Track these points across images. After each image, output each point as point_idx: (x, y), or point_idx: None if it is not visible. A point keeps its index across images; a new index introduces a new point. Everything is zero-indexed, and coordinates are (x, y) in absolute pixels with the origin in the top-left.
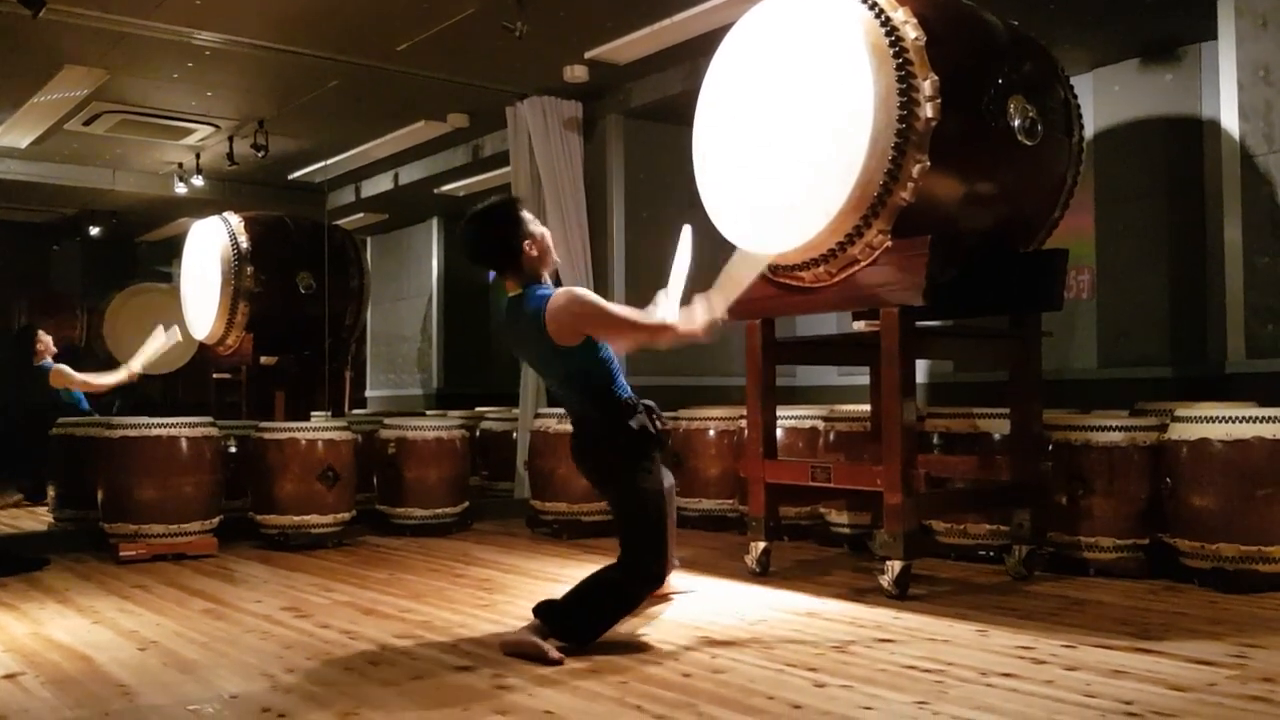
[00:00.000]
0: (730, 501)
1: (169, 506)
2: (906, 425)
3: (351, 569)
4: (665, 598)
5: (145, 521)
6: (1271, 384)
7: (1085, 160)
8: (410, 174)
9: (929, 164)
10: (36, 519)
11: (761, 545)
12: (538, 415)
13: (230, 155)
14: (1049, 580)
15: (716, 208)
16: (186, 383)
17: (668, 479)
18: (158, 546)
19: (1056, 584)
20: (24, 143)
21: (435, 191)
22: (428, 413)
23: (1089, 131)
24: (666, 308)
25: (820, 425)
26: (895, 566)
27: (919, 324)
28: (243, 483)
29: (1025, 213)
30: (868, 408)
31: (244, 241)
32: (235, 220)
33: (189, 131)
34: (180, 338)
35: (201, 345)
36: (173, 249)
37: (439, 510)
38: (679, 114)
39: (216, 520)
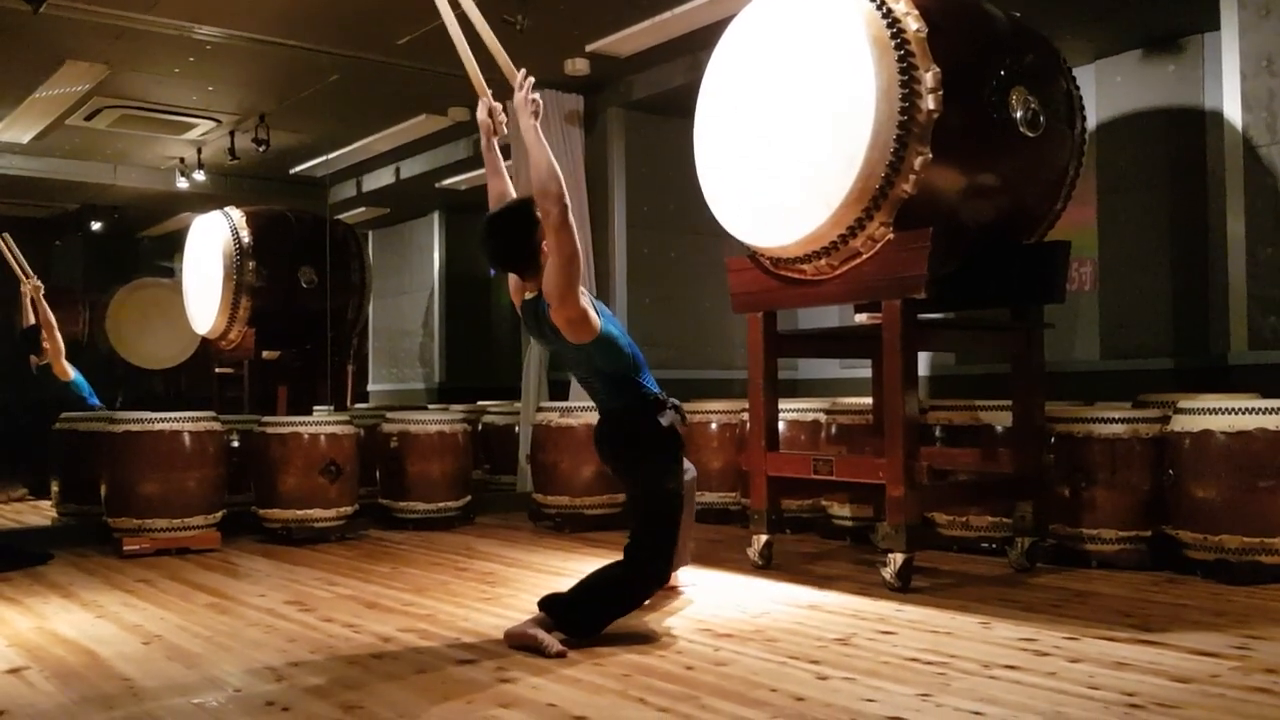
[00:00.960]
0: (732, 494)
1: (172, 501)
2: (909, 418)
3: (354, 563)
4: (673, 590)
5: (148, 516)
6: (1274, 375)
7: (1087, 152)
8: (411, 168)
9: (931, 156)
10: (40, 514)
11: (764, 538)
12: (540, 409)
13: (231, 150)
14: (1051, 572)
15: (717, 198)
16: (189, 377)
17: (689, 472)
18: (161, 541)
19: (1059, 576)
20: (25, 138)
21: (437, 185)
22: (430, 407)
23: (1091, 123)
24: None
25: (822, 418)
26: (897, 559)
27: (921, 316)
28: (245, 477)
29: (1027, 205)
30: (870, 400)
31: (246, 236)
32: (237, 215)
33: (190, 126)
34: None
35: (204, 340)
36: (174, 244)
37: (441, 504)
38: (680, 107)
39: (219, 515)
